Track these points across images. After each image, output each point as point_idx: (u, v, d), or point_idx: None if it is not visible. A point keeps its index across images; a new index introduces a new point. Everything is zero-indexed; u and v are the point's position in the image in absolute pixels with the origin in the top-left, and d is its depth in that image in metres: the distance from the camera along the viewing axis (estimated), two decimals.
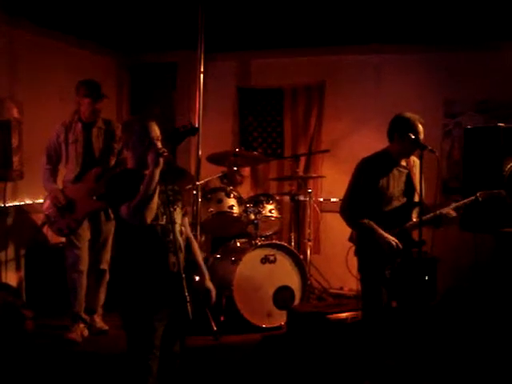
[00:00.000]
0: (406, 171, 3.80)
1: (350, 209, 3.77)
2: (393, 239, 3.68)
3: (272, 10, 5.26)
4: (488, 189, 3.92)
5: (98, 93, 4.70)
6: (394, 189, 3.75)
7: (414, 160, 3.83)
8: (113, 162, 4.74)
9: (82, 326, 4.74)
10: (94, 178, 4.60)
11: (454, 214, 3.79)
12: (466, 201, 3.89)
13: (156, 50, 6.68)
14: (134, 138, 3.06)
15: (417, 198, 3.77)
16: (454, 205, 3.93)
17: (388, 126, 3.82)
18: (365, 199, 3.73)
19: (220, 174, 5.54)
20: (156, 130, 3.08)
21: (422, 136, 3.70)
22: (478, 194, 3.86)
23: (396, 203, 3.78)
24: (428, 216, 3.74)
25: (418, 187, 3.73)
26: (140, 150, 3.05)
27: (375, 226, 3.69)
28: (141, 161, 3.05)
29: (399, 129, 3.73)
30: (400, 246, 3.67)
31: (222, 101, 6.75)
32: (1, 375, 3.89)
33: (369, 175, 3.75)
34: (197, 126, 4.88)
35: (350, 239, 3.99)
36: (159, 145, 3.04)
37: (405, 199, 3.80)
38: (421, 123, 3.72)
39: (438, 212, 3.76)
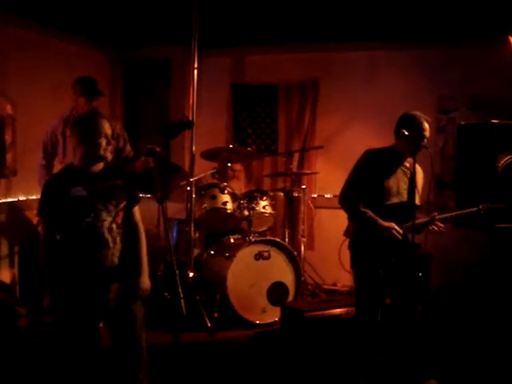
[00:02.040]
0: (409, 172, 3.80)
1: (350, 198, 3.78)
2: (394, 227, 3.69)
3: (266, 6, 5.25)
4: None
5: (94, 90, 4.69)
6: (393, 185, 3.76)
7: (417, 168, 3.84)
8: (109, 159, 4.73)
9: None
10: None
11: (440, 228, 3.80)
12: (466, 211, 3.92)
13: (149, 45, 6.65)
14: (79, 134, 3.11)
15: (417, 201, 3.78)
16: (453, 213, 3.96)
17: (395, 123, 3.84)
18: (364, 190, 3.73)
19: (213, 171, 5.53)
20: (104, 128, 3.10)
21: (427, 133, 3.73)
22: (480, 207, 3.87)
23: (395, 199, 3.77)
24: (421, 221, 3.76)
25: (419, 190, 3.76)
26: (84, 148, 3.10)
27: (376, 217, 3.69)
28: (85, 158, 3.12)
29: (402, 126, 3.75)
30: (401, 232, 3.68)
31: (215, 97, 6.74)
32: None
33: (371, 166, 3.76)
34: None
35: (346, 233, 3.99)
36: (103, 144, 3.08)
37: (404, 198, 3.80)
38: (427, 121, 3.75)
39: (430, 219, 3.78)
